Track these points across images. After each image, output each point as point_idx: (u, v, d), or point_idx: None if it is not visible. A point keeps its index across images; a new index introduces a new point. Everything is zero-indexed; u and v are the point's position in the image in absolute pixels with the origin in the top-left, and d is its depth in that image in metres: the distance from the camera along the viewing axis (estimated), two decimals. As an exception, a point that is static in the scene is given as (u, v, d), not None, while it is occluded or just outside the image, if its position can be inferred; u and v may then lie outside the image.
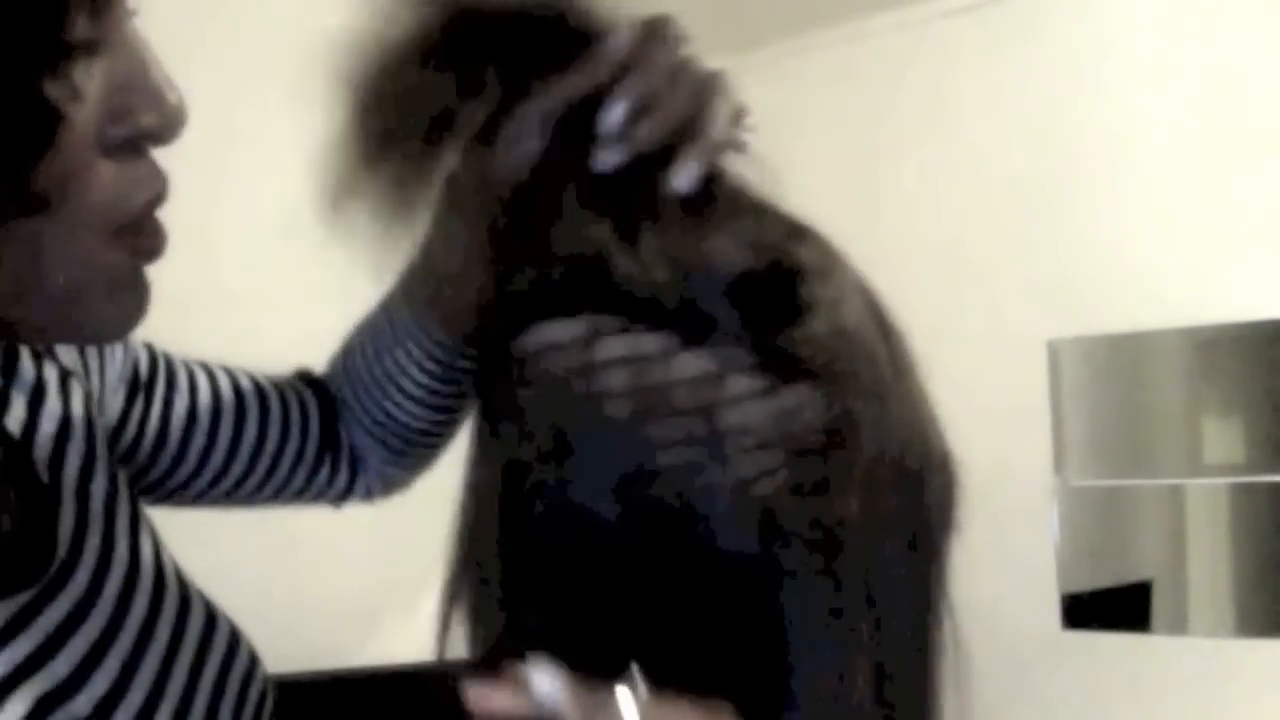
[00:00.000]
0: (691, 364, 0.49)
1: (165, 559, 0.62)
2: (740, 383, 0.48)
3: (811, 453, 0.48)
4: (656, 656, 0.50)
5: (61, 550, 0.54)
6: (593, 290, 0.50)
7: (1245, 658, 2.47)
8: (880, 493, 0.49)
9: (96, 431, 0.62)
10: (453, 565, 0.54)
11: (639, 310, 0.49)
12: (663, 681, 0.49)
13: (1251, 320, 2.47)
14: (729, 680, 0.49)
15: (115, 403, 0.67)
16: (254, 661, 0.62)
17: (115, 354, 0.68)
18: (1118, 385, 2.68)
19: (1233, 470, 2.52)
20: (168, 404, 0.69)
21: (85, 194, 0.44)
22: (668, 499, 0.48)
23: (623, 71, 0.50)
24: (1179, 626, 2.59)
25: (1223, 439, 2.55)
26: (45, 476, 0.57)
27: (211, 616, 0.61)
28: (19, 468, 0.56)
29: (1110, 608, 2.66)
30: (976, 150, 2.76)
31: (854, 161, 2.84)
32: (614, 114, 0.50)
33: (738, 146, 0.52)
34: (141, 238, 0.47)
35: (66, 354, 0.64)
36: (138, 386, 0.68)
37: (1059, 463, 2.67)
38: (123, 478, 0.63)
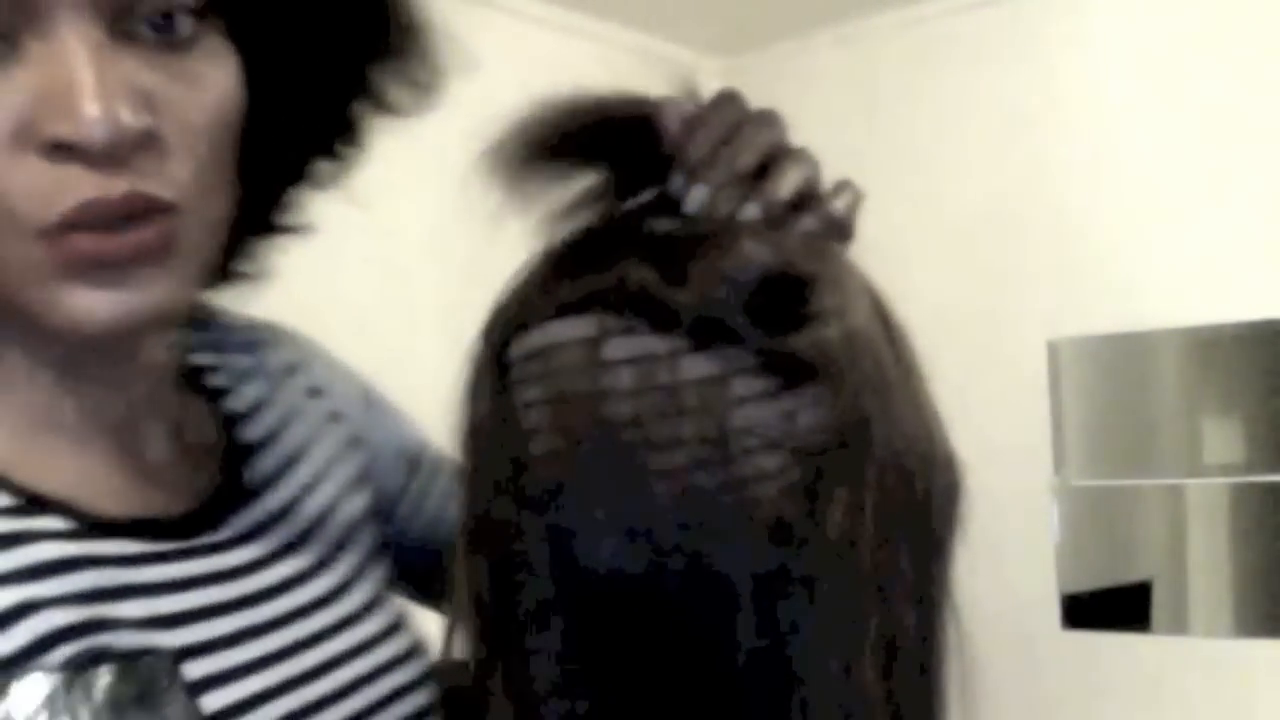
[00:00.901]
0: (698, 366, 0.49)
1: (373, 598, 0.64)
2: (747, 384, 0.49)
3: (819, 455, 0.48)
4: (658, 664, 0.50)
5: (225, 532, 0.59)
6: (600, 289, 0.50)
7: (1245, 658, 2.47)
8: (887, 495, 0.49)
9: (340, 465, 0.68)
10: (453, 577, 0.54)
11: (645, 308, 0.49)
12: (667, 690, 0.49)
13: (1251, 320, 2.47)
14: (735, 685, 0.50)
15: (390, 470, 0.72)
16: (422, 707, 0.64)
17: (395, 425, 0.74)
18: (1118, 385, 2.68)
19: (1233, 470, 2.52)
20: (424, 492, 0.74)
21: None
22: (672, 500, 0.48)
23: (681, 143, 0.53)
24: (1179, 626, 2.59)
25: (1223, 439, 2.55)
26: (257, 482, 0.62)
27: (402, 657, 0.64)
28: (235, 466, 0.62)
29: (1110, 608, 2.66)
30: (975, 149, 2.76)
31: (852, 162, 2.83)
32: (675, 184, 0.52)
33: (825, 221, 0.53)
34: (72, 243, 0.47)
35: (348, 404, 0.71)
36: (411, 466, 0.74)
37: (1059, 463, 2.67)
38: (363, 513, 0.68)
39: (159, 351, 0.59)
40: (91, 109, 0.45)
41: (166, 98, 0.49)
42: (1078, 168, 2.64)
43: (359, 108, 0.61)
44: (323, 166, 0.62)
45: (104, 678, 0.50)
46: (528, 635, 0.51)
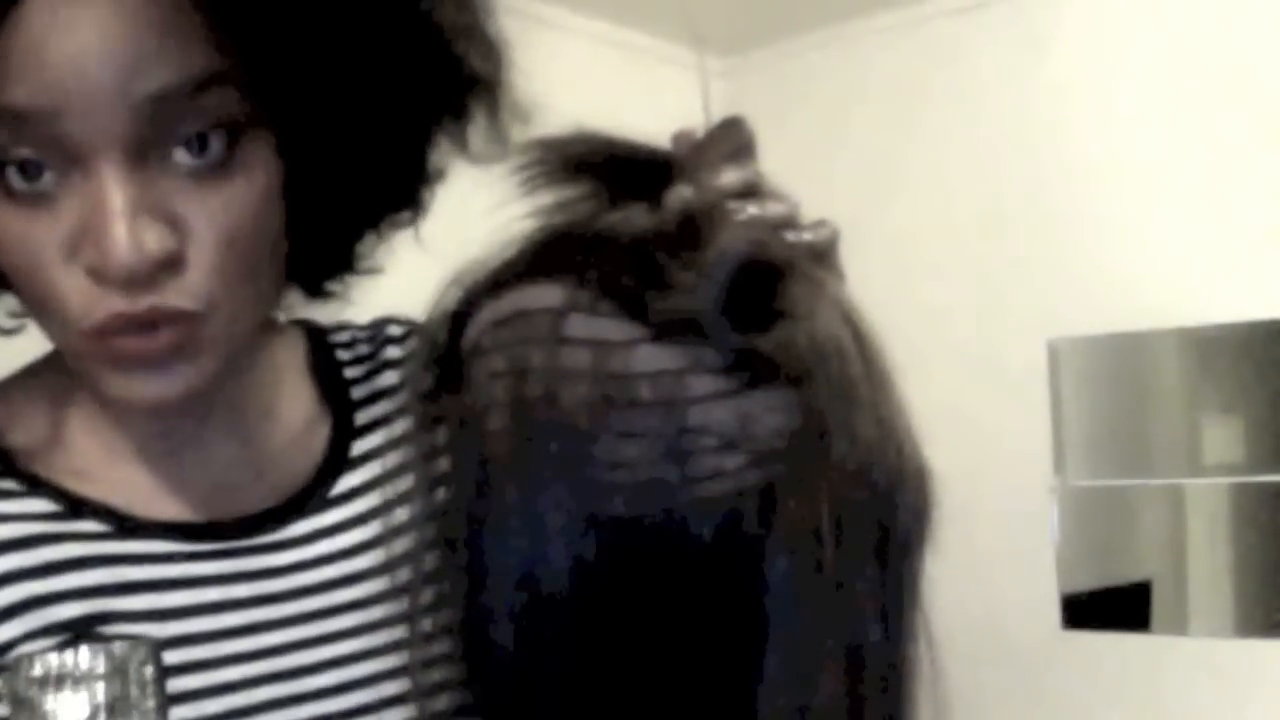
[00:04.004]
0: (657, 358, 0.48)
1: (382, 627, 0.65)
2: (706, 382, 0.48)
3: (777, 458, 0.48)
4: (613, 662, 0.49)
5: (285, 533, 0.64)
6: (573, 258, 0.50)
7: (1245, 658, 2.47)
8: (845, 504, 0.48)
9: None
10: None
11: (617, 292, 0.49)
12: (622, 687, 0.49)
13: (1251, 320, 2.47)
14: (692, 687, 0.49)
15: None
16: None
17: None
18: (1118, 385, 2.68)
19: (1233, 470, 2.52)
20: None
21: (50, 290, 0.54)
22: (623, 492, 0.48)
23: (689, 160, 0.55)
24: (1179, 626, 2.59)
25: (1223, 439, 2.55)
26: (345, 490, 0.67)
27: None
28: (342, 453, 0.68)
29: (1110, 608, 2.66)
30: (976, 150, 2.76)
31: (852, 161, 2.84)
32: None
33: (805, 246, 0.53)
34: (110, 342, 0.55)
35: None
36: None
37: (1059, 463, 2.67)
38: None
39: (221, 391, 0.64)
40: (116, 242, 0.52)
41: (196, 217, 0.55)
42: (1077, 168, 2.64)
43: (433, 159, 0.65)
44: (401, 214, 0.68)
45: (83, 656, 0.56)
46: (485, 614, 0.51)
